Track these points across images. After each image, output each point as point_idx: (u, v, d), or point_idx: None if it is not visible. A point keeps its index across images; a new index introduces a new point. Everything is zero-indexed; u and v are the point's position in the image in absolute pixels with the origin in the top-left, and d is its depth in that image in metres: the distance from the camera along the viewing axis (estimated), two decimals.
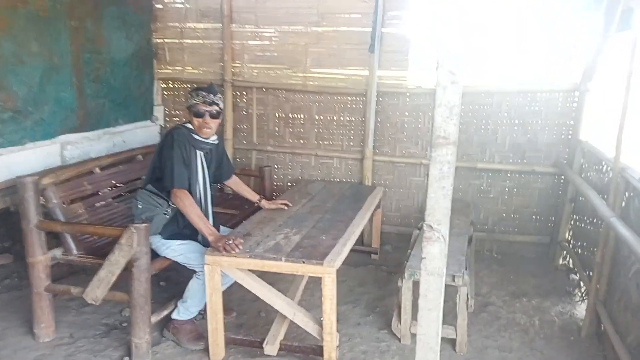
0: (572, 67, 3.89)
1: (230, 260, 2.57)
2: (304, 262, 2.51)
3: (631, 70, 2.64)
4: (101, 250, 2.90)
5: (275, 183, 4.61)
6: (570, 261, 4.01)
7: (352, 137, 4.50)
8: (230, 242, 2.57)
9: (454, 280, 2.71)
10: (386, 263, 4.16)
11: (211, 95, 2.79)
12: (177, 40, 4.64)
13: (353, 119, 4.45)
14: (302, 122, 4.59)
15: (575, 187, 3.87)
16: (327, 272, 2.48)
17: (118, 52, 4.04)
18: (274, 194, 4.51)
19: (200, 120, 2.78)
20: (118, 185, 3.51)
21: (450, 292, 3.36)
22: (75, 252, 2.89)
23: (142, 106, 4.49)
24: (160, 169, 2.77)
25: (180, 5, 4.55)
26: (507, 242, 4.34)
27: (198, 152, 2.85)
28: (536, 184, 4.22)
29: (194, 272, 2.83)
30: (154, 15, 4.56)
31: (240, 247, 2.59)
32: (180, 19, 4.57)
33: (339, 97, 4.44)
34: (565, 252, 4.07)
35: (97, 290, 2.69)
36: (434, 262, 1.24)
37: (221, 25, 4.46)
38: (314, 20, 4.29)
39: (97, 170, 3.35)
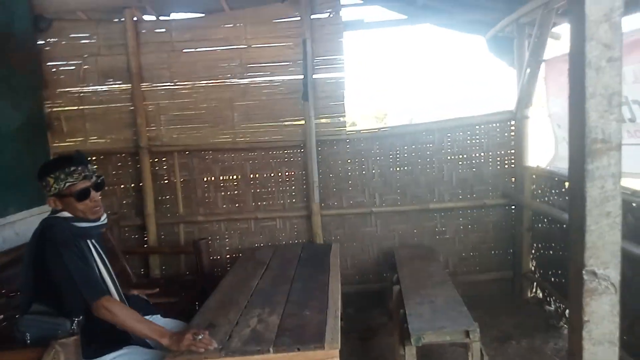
0: (507, 96, 3.92)
1: None
2: (299, 349, 1.97)
3: None
4: None
5: (212, 257, 3.96)
6: (540, 292, 3.85)
7: (294, 194, 4.06)
8: (201, 337, 1.96)
9: (468, 336, 2.33)
10: (354, 329, 3.66)
11: (89, 167, 2.17)
12: (74, 108, 3.95)
13: (293, 173, 4.04)
14: (235, 183, 4.06)
15: (532, 215, 3.80)
16: (331, 356, 1.96)
17: (3, 123, 3.27)
18: (215, 270, 3.87)
19: (86, 202, 2.12)
20: (10, 295, 2.58)
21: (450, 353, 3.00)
22: None
23: (38, 188, 3.64)
24: (48, 285, 2.04)
25: (72, 68, 3.89)
26: (471, 283, 4.09)
27: (89, 242, 2.19)
28: (488, 217, 4.09)
29: None
30: (45, 79, 3.85)
31: (214, 343, 1.98)
32: (78, 82, 3.91)
33: (275, 152, 4.03)
34: (533, 283, 3.91)
35: None
36: (602, 325, 0.83)
37: (130, 85, 3.88)
38: (237, 72, 3.90)
39: None
